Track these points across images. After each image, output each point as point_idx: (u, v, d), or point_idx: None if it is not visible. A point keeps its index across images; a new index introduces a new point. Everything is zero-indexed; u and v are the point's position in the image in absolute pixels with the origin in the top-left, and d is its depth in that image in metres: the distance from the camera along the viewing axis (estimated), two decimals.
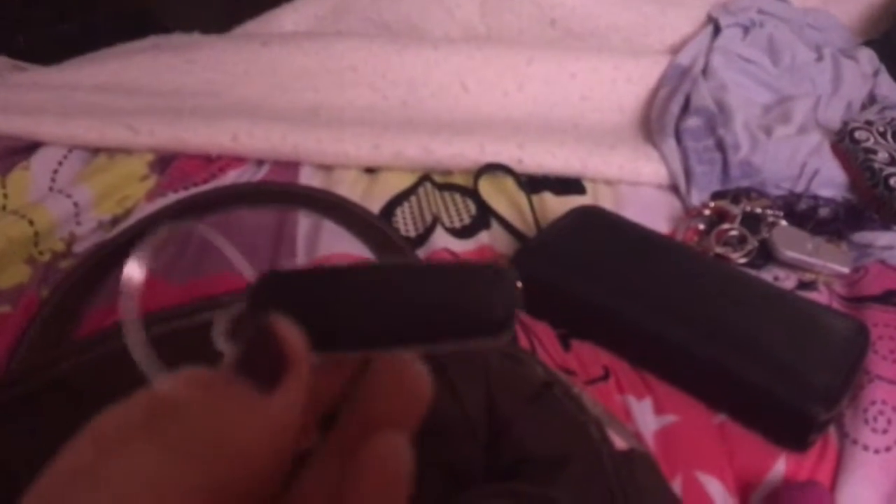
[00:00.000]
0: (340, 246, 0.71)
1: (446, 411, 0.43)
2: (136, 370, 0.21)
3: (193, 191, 0.74)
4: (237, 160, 0.80)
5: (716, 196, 0.82)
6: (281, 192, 0.74)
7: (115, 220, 0.72)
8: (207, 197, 0.71)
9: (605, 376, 0.61)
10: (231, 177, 0.78)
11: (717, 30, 1.00)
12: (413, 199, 0.80)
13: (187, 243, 0.68)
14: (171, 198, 0.73)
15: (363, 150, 0.81)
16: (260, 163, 0.82)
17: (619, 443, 0.48)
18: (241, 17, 1.09)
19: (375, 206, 0.78)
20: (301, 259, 0.70)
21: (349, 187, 0.80)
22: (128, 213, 0.73)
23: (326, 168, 0.82)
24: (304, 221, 0.73)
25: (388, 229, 0.71)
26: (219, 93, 0.90)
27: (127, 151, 0.79)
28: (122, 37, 1.02)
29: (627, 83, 0.97)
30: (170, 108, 0.85)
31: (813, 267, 0.73)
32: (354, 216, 0.71)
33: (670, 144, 0.86)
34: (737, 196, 0.81)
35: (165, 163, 0.79)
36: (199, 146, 0.80)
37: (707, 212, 0.80)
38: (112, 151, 0.78)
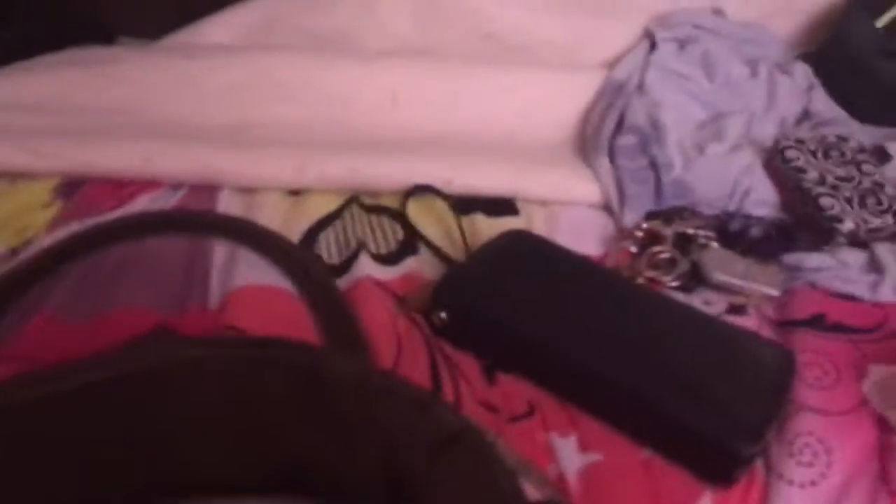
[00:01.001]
0: (257, 277, 0.67)
1: (336, 468, 0.40)
2: None
3: (99, 219, 0.70)
4: (150, 184, 0.77)
5: (649, 216, 0.81)
6: (191, 220, 0.69)
7: (14, 252, 0.68)
8: (111, 227, 0.66)
9: (530, 413, 0.59)
10: (142, 202, 0.75)
11: (653, 45, 0.99)
12: (338, 223, 0.77)
13: (88, 276, 0.65)
14: (75, 227, 0.69)
15: (286, 171, 0.78)
16: (176, 187, 0.78)
17: (534, 494, 0.46)
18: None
19: (298, 230, 0.75)
20: (214, 292, 0.66)
21: (271, 211, 0.77)
22: (27, 243, 0.68)
23: (248, 191, 0.79)
24: (218, 251, 0.70)
25: (306, 259, 0.68)
26: (135, 111, 0.86)
27: (29, 176, 0.75)
28: (67, 46, 0.97)
29: (564, 98, 0.95)
30: (77, 128, 0.80)
31: (743, 290, 0.72)
32: (271, 244, 0.68)
33: (604, 163, 0.84)
34: (669, 216, 0.80)
35: (72, 188, 0.75)
36: (108, 169, 0.76)
37: (639, 233, 0.78)
38: (13, 176, 0.74)
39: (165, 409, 0.41)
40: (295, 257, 0.68)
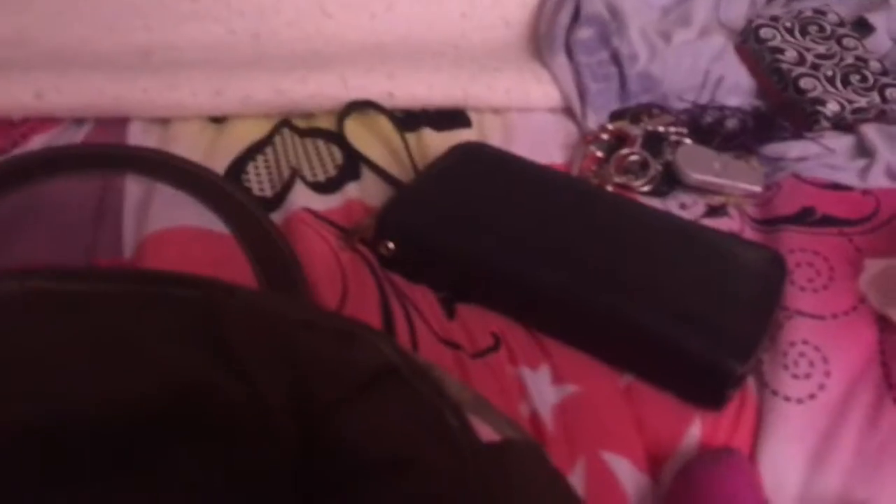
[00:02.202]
0: (179, 217, 0.59)
1: (238, 406, 0.34)
2: None
3: None
4: (46, 122, 0.67)
5: (614, 116, 0.73)
6: (95, 154, 0.61)
7: None
8: (2, 170, 0.58)
9: (496, 346, 0.53)
10: (38, 142, 0.65)
11: None
12: (269, 150, 0.68)
13: None
14: None
15: (202, 96, 0.68)
16: (79, 121, 0.68)
17: (491, 434, 0.40)
18: None
19: (223, 161, 0.66)
20: (129, 238, 0.58)
21: (191, 142, 0.67)
22: None
23: (162, 122, 0.69)
24: (131, 190, 0.61)
25: (234, 190, 0.60)
26: (28, 41, 0.74)
27: None
28: None
29: None
30: None
31: (722, 188, 0.66)
32: (192, 177, 0.60)
33: (561, 61, 0.76)
34: (637, 114, 0.73)
35: None
36: None
37: (605, 136, 0.71)
38: None
39: (28, 340, 0.35)
40: (223, 191, 0.61)
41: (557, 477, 0.40)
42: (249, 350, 0.37)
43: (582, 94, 0.74)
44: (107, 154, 0.62)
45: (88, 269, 0.43)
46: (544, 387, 0.51)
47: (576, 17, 0.80)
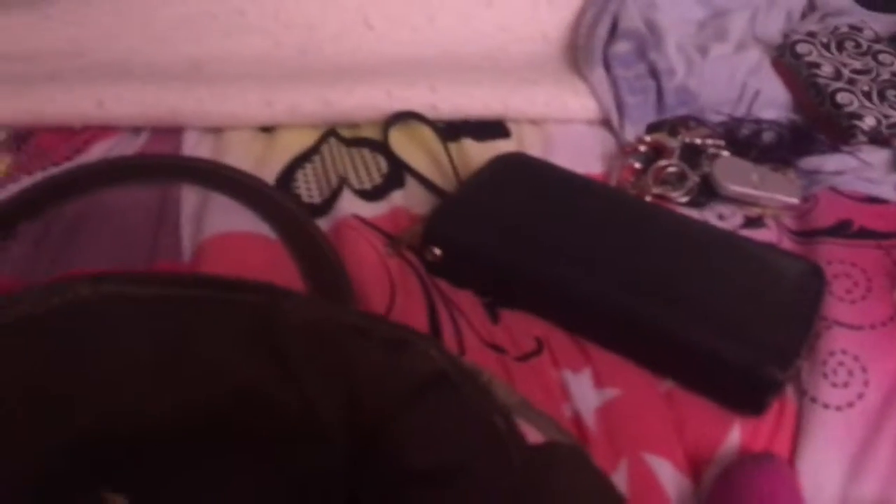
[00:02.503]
0: (232, 223, 0.61)
1: (291, 413, 0.36)
2: None
3: (52, 171, 0.64)
4: (106, 131, 0.70)
5: (651, 128, 0.75)
6: (154, 165, 0.64)
7: None
8: (66, 179, 0.60)
9: (539, 350, 0.54)
10: (98, 150, 0.68)
11: None
12: (316, 158, 0.71)
13: (44, 236, 0.59)
14: (26, 182, 0.62)
15: (253, 107, 0.71)
16: (137, 130, 0.71)
17: (537, 436, 0.41)
18: None
19: (274, 169, 0.68)
20: (187, 242, 0.61)
21: (243, 150, 0.70)
22: None
23: (215, 131, 0.72)
24: (188, 197, 0.64)
25: (283, 199, 0.62)
26: (83, 52, 0.78)
27: None
28: None
29: (549, 7, 0.87)
30: (24, 74, 0.73)
31: (759, 200, 0.67)
32: (244, 187, 0.62)
33: (599, 74, 0.77)
34: (674, 127, 0.74)
35: (22, 140, 0.68)
36: (59, 117, 0.69)
37: (643, 147, 0.72)
38: None
39: (102, 344, 0.37)
40: (273, 200, 0.63)
41: (603, 479, 0.41)
42: (304, 357, 0.38)
43: (620, 106, 0.76)
44: (163, 165, 0.65)
45: (156, 274, 0.45)
46: (587, 390, 0.52)
47: (613, 30, 0.82)
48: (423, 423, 0.38)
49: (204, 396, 0.39)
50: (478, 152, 0.72)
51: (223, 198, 0.63)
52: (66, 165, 0.65)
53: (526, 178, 0.64)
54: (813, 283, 0.55)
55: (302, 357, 0.38)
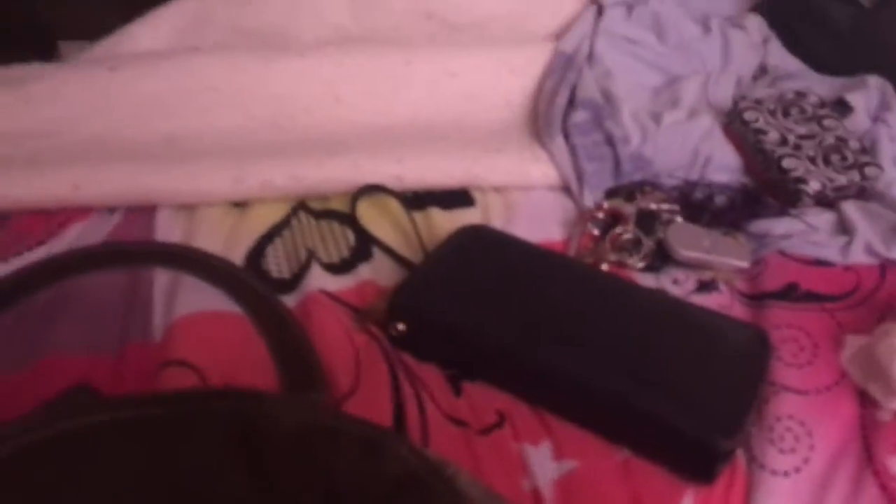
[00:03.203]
0: (203, 303, 0.63)
1: None
2: None
3: (27, 256, 0.66)
4: (81, 211, 0.72)
5: (610, 193, 0.78)
6: (122, 252, 0.66)
7: None
8: (36, 271, 0.62)
9: (500, 423, 0.56)
10: (75, 231, 0.70)
11: (600, 10, 0.95)
12: (286, 233, 0.73)
13: (18, 321, 0.60)
14: (1, 268, 0.64)
15: (223, 185, 0.73)
16: (111, 210, 0.73)
17: None
18: None
19: (245, 245, 0.71)
20: (158, 322, 0.62)
21: (214, 227, 0.72)
22: None
23: (188, 208, 0.74)
24: (159, 277, 0.66)
25: (250, 280, 0.64)
26: (60, 132, 0.80)
27: None
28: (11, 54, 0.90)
29: (512, 75, 0.91)
30: (2, 157, 0.75)
31: (711, 264, 0.70)
32: (212, 268, 0.64)
33: (558, 142, 0.81)
34: (631, 192, 0.77)
35: None
36: (35, 202, 0.71)
37: (600, 214, 0.75)
38: None
39: (88, 473, 0.38)
40: (241, 281, 0.65)
41: None
42: (282, 464, 0.39)
43: (578, 173, 0.79)
44: (132, 251, 0.67)
45: (136, 397, 0.46)
46: (546, 462, 0.54)
47: (572, 100, 0.85)
48: None
49: None
50: (444, 221, 0.75)
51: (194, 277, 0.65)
52: (40, 250, 0.67)
53: (486, 251, 0.66)
54: (760, 350, 0.58)
55: (280, 464, 0.40)
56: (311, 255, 0.69)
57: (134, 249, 0.66)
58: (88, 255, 0.65)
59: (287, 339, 0.59)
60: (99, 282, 0.64)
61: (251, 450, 0.39)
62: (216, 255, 0.67)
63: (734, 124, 0.81)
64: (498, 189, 0.80)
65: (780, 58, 0.96)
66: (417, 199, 0.77)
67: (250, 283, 0.63)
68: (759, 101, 0.82)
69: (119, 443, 0.39)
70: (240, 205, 0.76)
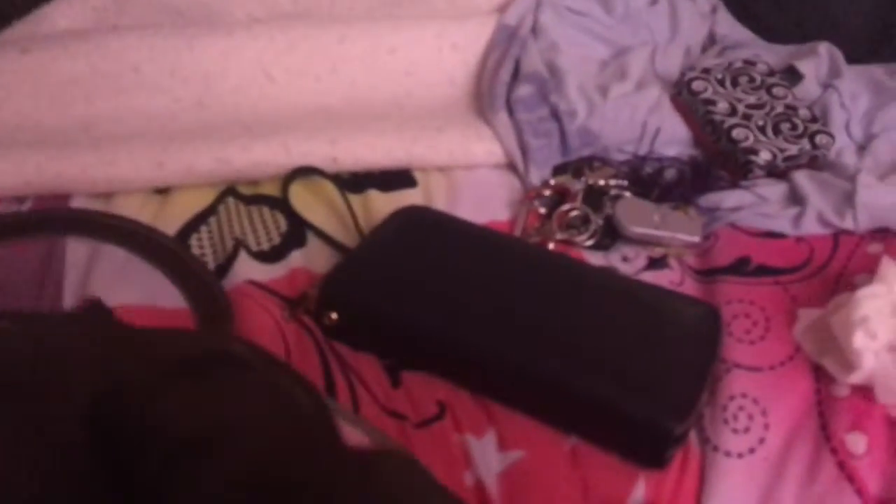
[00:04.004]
0: (124, 283, 0.59)
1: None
2: None
3: None
4: None
5: (557, 170, 0.74)
6: (41, 219, 0.60)
7: None
8: None
9: (440, 414, 0.53)
10: None
11: None
12: (212, 220, 0.68)
13: None
14: None
15: (143, 170, 0.68)
16: (21, 199, 0.68)
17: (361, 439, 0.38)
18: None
19: (168, 232, 0.66)
20: (68, 302, 0.58)
21: (134, 214, 0.67)
22: None
23: (105, 195, 0.69)
24: (73, 253, 0.61)
25: (185, 255, 0.60)
26: None
27: None
28: None
29: (454, 51, 0.87)
30: None
31: (661, 240, 0.67)
32: (109, 227, 0.59)
33: (502, 118, 0.77)
34: (578, 168, 0.74)
35: None
36: None
37: (547, 191, 0.72)
38: None
39: None
40: (173, 254, 0.60)
41: (437, 488, 0.37)
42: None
43: (524, 150, 0.75)
44: (51, 218, 0.62)
45: None
46: (490, 454, 0.51)
47: (516, 74, 0.82)
48: (193, 396, 0.34)
49: None
50: (384, 203, 0.71)
51: (109, 268, 0.60)
52: None
53: (426, 233, 0.62)
54: (711, 327, 0.55)
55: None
56: (239, 244, 0.65)
57: (50, 216, 0.61)
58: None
59: (199, 287, 0.55)
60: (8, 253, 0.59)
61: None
62: (111, 213, 0.62)
63: (682, 95, 0.78)
64: (441, 169, 0.76)
65: (729, 27, 0.93)
66: (355, 181, 0.73)
67: (154, 236, 0.59)
68: (707, 71, 0.79)
69: None
70: (162, 191, 0.71)
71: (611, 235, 0.68)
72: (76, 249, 0.62)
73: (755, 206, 0.68)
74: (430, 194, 0.73)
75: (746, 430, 0.51)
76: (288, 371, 0.35)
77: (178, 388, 0.33)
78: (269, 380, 0.34)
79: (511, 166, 0.76)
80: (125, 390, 0.33)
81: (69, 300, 0.58)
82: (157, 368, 0.34)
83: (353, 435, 0.36)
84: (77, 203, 0.68)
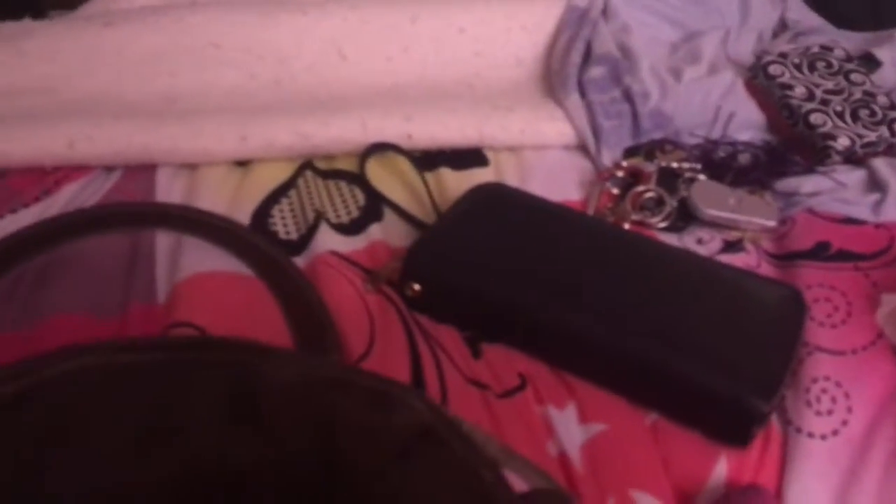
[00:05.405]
0: (208, 263, 0.60)
1: (268, 477, 0.35)
2: None
3: (22, 214, 0.63)
4: (78, 169, 0.69)
5: (628, 153, 0.75)
6: (124, 213, 0.62)
7: None
8: (34, 233, 0.59)
9: (522, 386, 0.54)
10: (70, 191, 0.66)
11: None
12: (292, 193, 0.70)
13: (16, 282, 0.57)
14: None
15: (227, 143, 0.70)
16: (109, 168, 0.70)
17: (520, 484, 0.40)
18: None
19: (250, 204, 0.68)
20: (162, 283, 0.60)
21: (217, 187, 0.69)
22: None
23: (189, 167, 0.71)
24: (161, 237, 0.63)
25: (259, 241, 0.61)
26: (55, 88, 0.77)
27: None
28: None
29: (522, 32, 0.87)
30: None
31: (737, 223, 0.67)
32: (217, 230, 0.61)
33: (574, 99, 0.77)
34: (650, 150, 0.74)
35: None
36: (30, 158, 0.67)
37: (620, 172, 0.72)
38: None
39: (85, 418, 0.36)
40: (249, 242, 0.62)
41: None
42: (285, 417, 0.37)
43: (595, 131, 0.76)
44: (134, 213, 0.64)
45: (137, 340, 0.44)
46: (571, 426, 0.52)
47: (587, 55, 0.82)
48: (411, 479, 0.37)
49: (187, 467, 0.38)
50: (456, 181, 0.72)
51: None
52: (36, 207, 0.64)
53: (504, 209, 0.63)
54: (793, 309, 0.55)
55: (284, 418, 0.37)
56: (320, 216, 0.66)
57: (136, 211, 0.63)
58: (89, 217, 0.62)
59: (298, 297, 0.56)
60: (98, 242, 0.61)
61: (249, 400, 0.36)
62: (222, 216, 0.64)
63: (758, 79, 0.78)
64: (511, 148, 0.77)
65: (801, 13, 0.92)
66: (427, 159, 0.74)
67: (258, 243, 0.60)
68: (783, 55, 0.78)
69: (111, 387, 0.36)
70: (242, 164, 0.72)
71: (684, 218, 0.68)
72: (164, 234, 0.63)
73: (834, 191, 0.68)
74: (500, 173, 0.74)
75: (829, 412, 0.51)
76: (462, 433, 0.37)
77: (398, 474, 0.36)
78: (459, 455, 0.36)
79: (581, 147, 0.77)
80: (347, 470, 0.35)
81: (162, 282, 0.59)
82: (375, 451, 0.36)
83: (510, 476, 0.38)
84: (163, 174, 0.70)
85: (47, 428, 0.34)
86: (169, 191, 0.69)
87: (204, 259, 0.61)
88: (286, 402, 0.36)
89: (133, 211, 0.63)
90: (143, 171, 0.70)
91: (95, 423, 0.35)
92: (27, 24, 0.87)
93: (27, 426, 0.34)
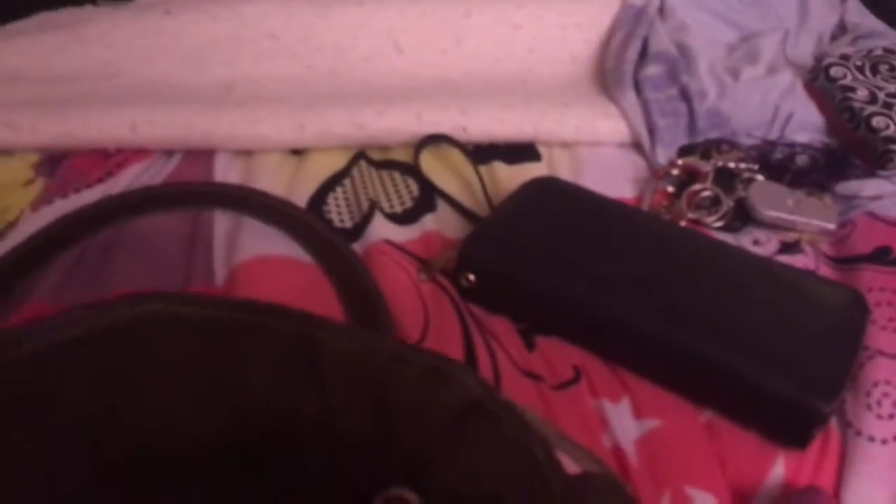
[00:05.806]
0: (266, 246, 0.61)
1: (325, 441, 0.36)
2: None
3: (86, 193, 0.64)
4: (139, 152, 0.70)
5: (683, 152, 0.74)
6: (184, 193, 0.64)
7: None
8: (98, 210, 0.61)
9: (576, 378, 0.54)
10: (131, 173, 0.68)
11: None
12: (347, 182, 0.70)
13: (78, 260, 0.59)
14: (59, 205, 0.63)
15: (285, 131, 0.71)
16: (169, 153, 0.72)
17: (572, 466, 0.40)
18: None
19: (306, 192, 0.68)
20: (220, 266, 0.60)
21: (273, 174, 0.70)
22: (10, 226, 0.62)
23: (246, 153, 0.72)
24: (220, 221, 0.64)
25: (317, 224, 0.62)
26: (116, 74, 0.78)
27: (7, 153, 0.68)
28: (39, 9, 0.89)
29: (577, 29, 0.87)
30: (58, 97, 0.73)
31: (795, 225, 0.66)
32: (275, 211, 0.62)
33: (629, 97, 0.77)
34: (706, 150, 0.74)
35: (55, 163, 0.69)
36: (92, 141, 0.69)
37: (675, 171, 0.72)
38: None
39: (150, 363, 0.37)
40: (307, 226, 0.63)
41: None
42: (342, 385, 0.38)
43: (651, 129, 0.75)
44: (195, 192, 0.65)
45: (203, 296, 0.46)
46: (626, 420, 0.51)
47: (643, 54, 0.81)
48: (462, 453, 0.38)
49: (243, 420, 0.39)
50: (508, 175, 0.72)
51: (256, 221, 0.63)
52: (99, 188, 0.66)
53: (559, 203, 0.63)
54: (855, 312, 0.54)
55: (340, 385, 0.38)
56: (374, 205, 0.67)
57: (194, 191, 0.64)
58: (149, 195, 0.63)
59: (354, 281, 0.57)
60: (159, 222, 0.62)
61: (314, 367, 0.37)
62: (281, 197, 0.64)
63: (818, 80, 0.77)
64: (565, 144, 0.77)
65: (860, 16, 0.91)
66: (481, 152, 0.74)
67: (316, 226, 0.61)
68: (845, 57, 0.77)
69: (178, 334, 0.38)
70: (298, 152, 0.73)
71: (741, 218, 0.68)
72: (223, 217, 0.64)
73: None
74: (554, 169, 0.74)
75: (891, 416, 0.50)
76: (514, 411, 0.38)
77: (450, 446, 0.36)
78: (510, 430, 0.37)
79: (635, 145, 0.76)
80: (401, 441, 0.36)
81: (220, 265, 0.60)
82: (427, 424, 0.37)
83: (563, 460, 0.39)
84: (221, 160, 0.71)
85: (118, 366, 0.35)
86: (226, 176, 0.70)
87: (262, 243, 0.62)
88: (345, 370, 0.37)
89: (194, 191, 0.65)
90: (202, 156, 0.71)
91: (162, 368, 0.36)
92: (86, 10, 0.89)
93: (101, 363, 0.35)
